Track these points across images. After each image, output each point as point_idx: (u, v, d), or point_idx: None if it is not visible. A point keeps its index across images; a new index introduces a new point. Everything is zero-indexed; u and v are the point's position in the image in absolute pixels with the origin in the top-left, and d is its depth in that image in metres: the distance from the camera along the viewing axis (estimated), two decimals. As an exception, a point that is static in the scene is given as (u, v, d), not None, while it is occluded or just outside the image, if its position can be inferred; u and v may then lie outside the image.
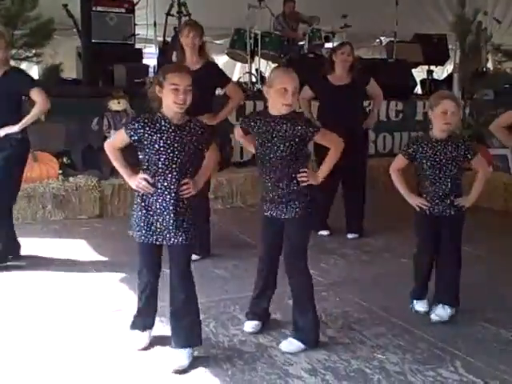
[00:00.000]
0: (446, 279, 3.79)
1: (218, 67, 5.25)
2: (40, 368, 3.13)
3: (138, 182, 3.07)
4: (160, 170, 3.05)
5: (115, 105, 6.70)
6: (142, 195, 3.10)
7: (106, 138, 6.66)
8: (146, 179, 3.05)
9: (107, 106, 6.71)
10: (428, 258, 3.82)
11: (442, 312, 3.73)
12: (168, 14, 8.66)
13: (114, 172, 6.43)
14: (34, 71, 8.92)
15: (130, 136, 3.06)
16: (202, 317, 3.71)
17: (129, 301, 4.01)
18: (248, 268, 4.70)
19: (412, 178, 3.86)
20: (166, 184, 3.07)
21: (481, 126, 7.88)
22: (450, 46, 10.66)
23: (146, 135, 3.03)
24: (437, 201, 3.71)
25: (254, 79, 8.82)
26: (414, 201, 3.76)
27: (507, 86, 9.78)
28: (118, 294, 4.15)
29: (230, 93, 5.05)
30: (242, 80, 9.21)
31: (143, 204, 3.10)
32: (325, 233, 5.65)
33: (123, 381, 3.03)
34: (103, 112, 6.69)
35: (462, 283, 3.89)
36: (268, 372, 3.11)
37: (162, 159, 3.04)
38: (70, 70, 9.08)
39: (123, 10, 8.28)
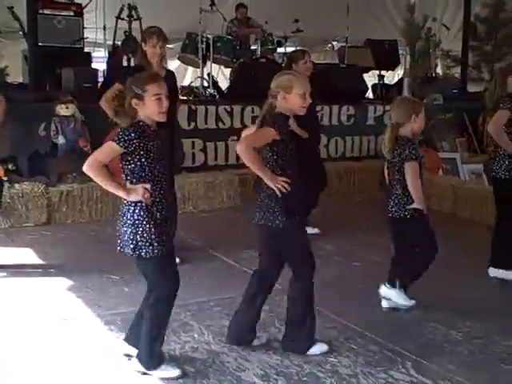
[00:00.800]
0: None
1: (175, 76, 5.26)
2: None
3: (142, 193, 2.90)
4: (156, 179, 2.96)
5: (63, 110, 6.54)
6: (146, 207, 2.93)
7: (53, 143, 6.53)
8: (147, 189, 2.92)
9: (55, 111, 6.55)
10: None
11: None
12: (118, 17, 8.53)
13: (61, 178, 6.31)
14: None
15: (126, 147, 2.88)
16: (151, 324, 3.66)
17: (76, 310, 3.92)
18: (200, 274, 4.65)
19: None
20: (162, 192, 2.99)
21: (431, 130, 8.01)
22: (400, 52, 10.82)
23: (142, 145, 2.91)
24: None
25: (205, 84, 8.76)
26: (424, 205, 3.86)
27: (456, 90, 9.99)
28: (66, 303, 4.04)
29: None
30: (193, 84, 9.14)
31: (148, 215, 2.94)
32: None
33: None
34: (51, 117, 6.52)
35: (413, 285, 3.93)
36: (220, 379, 3.07)
37: (158, 167, 2.96)
38: (16, 74, 8.85)
39: (71, 13, 8.10)
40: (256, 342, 3.45)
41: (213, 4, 8.83)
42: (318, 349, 3.36)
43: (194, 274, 4.62)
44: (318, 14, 11.05)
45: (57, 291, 4.27)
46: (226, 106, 7.72)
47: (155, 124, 3.02)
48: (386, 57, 10.45)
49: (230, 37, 9.22)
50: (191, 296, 4.15)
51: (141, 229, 2.93)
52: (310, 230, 5.64)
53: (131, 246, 2.95)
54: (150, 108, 2.94)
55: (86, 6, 8.37)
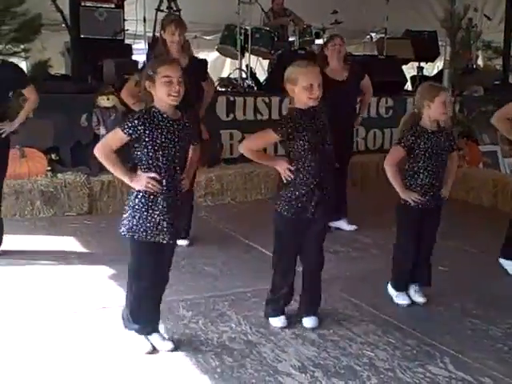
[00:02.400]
0: (428, 262, 3.89)
1: (207, 65, 5.27)
2: (26, 366, 3.10)
3: (146, 182, 2.96)
4: (163, 167, 2.99)
5: (104, 101, 6.65)
6: (149, 195, 2.99)
7: (95, 134, 6.63)
8: (153, 178, 2.97)
9: (96, 102, 6.66)
10: (415, 247, 3.83)
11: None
12: (158, 9, 8.59)
13: (103, 168, 6.41)
14: (22, 66, 8.85)
15: (130, 134, 2.93)
16: (190, 314, 3.73)
17: (116, 298, 3.99)
18: (237, 265, 4.70)
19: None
20: (170, 180, 3.02)
21: (471, 123, 7.90)
22: (440, 43, 10.65)
23: (147, 132, 2.94)
24: (431, 193, 3.73)
25: (244, 75, 8.79)
26: (410, 196, 3.74)
27: (497, 82, 9.81)
28: (106, 291, 4.12)
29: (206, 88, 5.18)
30: (232, 76, 9.17)
31: (149, 204, 3.00)
32: None
33: (110, 380, 3.01)
34: (92, 108, 6.63)
35: (451, 279, 3.89)
36: (257, 369, 3.10)
37: (165, 155, 2.99)
38: (59, 66, 9.01)
39: (112, 6, 8.21)
40: None
41: (252, -5, 8.84)
42: (275, 321, 3.55)
43: (231, 265, 4.67)
44: (357, 5, 10.97)
45: (98, 279, 4.36)
46: (265, 98, 7.74)
47: (172, 110, 3.02)
48: (425, 48, 10.32)
49: (268, 28, 9.22)
50: (228, 286, 4.20)
51: (138, 215, 3.01)
52: (347, 227, 5.65)
53: (126, 227, 3.03)
54: (160, 90, 2.94)
55: (126, -1, 8.47)
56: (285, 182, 3.35)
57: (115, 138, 3.00)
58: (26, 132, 6.37)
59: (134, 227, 3.03)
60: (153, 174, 2.98)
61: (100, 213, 6.17)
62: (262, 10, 9.33)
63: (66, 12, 7.73)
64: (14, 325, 3.56)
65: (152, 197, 3.00)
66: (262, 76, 9.59)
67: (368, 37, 12.31)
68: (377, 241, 5.35)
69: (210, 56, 10.71)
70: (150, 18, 8.71)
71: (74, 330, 3.51)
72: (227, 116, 7.50)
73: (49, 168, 6.23)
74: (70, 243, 5.21)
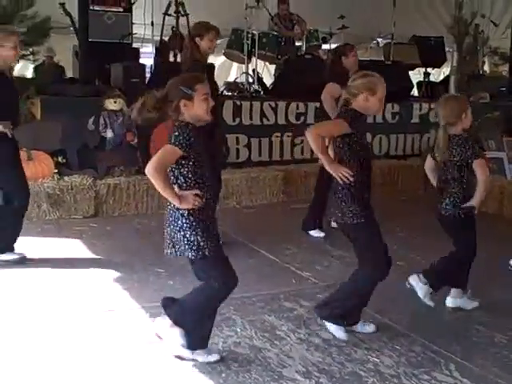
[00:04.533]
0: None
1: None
2: (33, 368, 3.11)
3: (192, 200, 2.90)
4: (207, 183, 2.99)
5: (111, 104, 6.68)
6: (197, 212, 2.95)
7: (102, 137, 6.66)
8: (197, 194, 2.93)
9: (104, 106, 6.69)
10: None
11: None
12: (166, 13, 8.63)
13: (109, 171, 6.44)
14: (30, 69, 8.92)
15: (186, 151, 2.88)
16: (196, 318, 3.72)
17: (122, 301, 4.01)
18: (242, 269, 4.67)
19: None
20: (209, 194, 3.01)
21: (477, 129, 7.88)
22: (447, 49, 10.66)
23: (195, 148, 2.92)
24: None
25: (250, 80, 8.81)
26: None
27: (503, 88, 9.80)
28: (112, 295, 4.13)
29: None
30: (238, 80, 9.20)
31: (201, 218, 2.97)
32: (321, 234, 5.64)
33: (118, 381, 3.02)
34: (100, 111, 6.66)
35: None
36: (262, 374, 3.10)
37: (207, 170, 3.00)
38: (67, 69, 9.07)
39: (121, 9, 8.24)
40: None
41: (259, 0, 8.86)
42: (335, 329, 3.50)
43: (236, 269, 4.64)
44: (364, 10, 10.99)
45: (103, 282, 4.37)
46: (271, 102, 7.75)
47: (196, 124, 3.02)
48: (432, 54, 10.33)
49: (275, 33, 9.24)
50: (234, 291, 4.19)
51: (199, 230, 2.95)
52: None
53: (194, 248, 2.96)
54: (200, 108, 2.95)
55: (134, 3, 8.50)
56: (341, 186, 3.37)
57: (171, 155, 2.89)
58: (33, 134, 6.41)
59: (202, 244, 2.96)
60: (196, 191, 2.94)
61: (106, 216, 6.19)
62: (270, 14, 9.36)
63: (75, 15, 7.76)
64: (19, 327, 3.57)
65: (199, 211, 2.95)
66: (268, 80, 9.61)
67: (375, 42, 12.33)
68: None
69: (217, 60, 10.73)
70: (157, 22, 8.76)
71: (80, 332, 3.52)
72: (233, 120, 7.51)
73: (55, 170, 6.25)
74: (76, 246, 5.23)
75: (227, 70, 11.68)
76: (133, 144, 6.73)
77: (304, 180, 7.27)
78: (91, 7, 7.83)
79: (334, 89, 5.34)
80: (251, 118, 7.61)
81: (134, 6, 8.44)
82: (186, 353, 3.18)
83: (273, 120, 7.73)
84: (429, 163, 4.00)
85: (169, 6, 8.62)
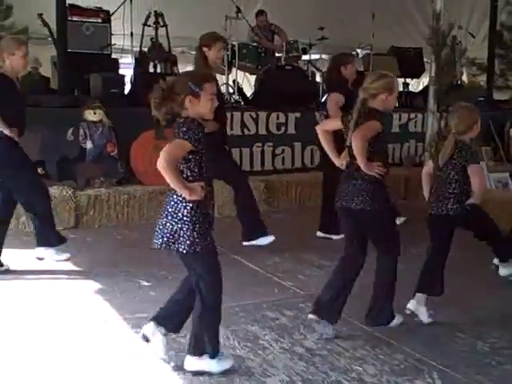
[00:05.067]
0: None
1: None
2: (26, 382, 3.06)
3: (200, 192, 2.93)
4: (208, 178, 3.05)
5: (91, 115, 6.65)
6: (202, 206, 2.99)
7: (81, 148, 6.62)
8: (203, 187, 2.97)
9: (83, 116, 6.65)
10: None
11: None
12: (145, 24, 8.63)
13: (89, 183, 6.40)
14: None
15: (195, 146, 2.93)
16: (178, 329, 3.69)
17: (104, 313, 3.97)
18: (224, 279, 4.65)
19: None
20: (210, 189, 3.07)
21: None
22: (425, 59, 10.78)
23: (202, 142, 2.97)
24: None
25: (231, 90, 8.82)
26: None
27: (481, 98, 9.92)
28: (93, 306, 4.09)
29: None
30: (219, 91, 9.21)
31: (203, 213, 3.01)
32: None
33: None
34: (79, 122, 6.62)
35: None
36: (245, 384, 3.08)
37: (209, 166, 3.05)
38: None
39: (99, 20, 8.24)
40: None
41: (239, 11, 8.91)
42: (397, 320, 3.69)
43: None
44: (343, 22, 11.08)
45: (84, 294, 4.32)
46: (252, 113, 7.77)
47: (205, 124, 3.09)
48: (411, 64, 10.43)
49: (255, 44, 9.28)
50: (217, 301, 4.18)
51: (198, 225, 2.97)
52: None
53: (188, 243, 2.97)
54: (205, 107, 2.99)
55: (113, 13, 8.51)
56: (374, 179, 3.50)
57: (181, 149, 2.94)
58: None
59: (197, 240, 2.97)
60: (202, 183, 2.97)
61: (86, 227, 6.14)
62: (250, 25, 9.40)
63: (53, 26, 7.71)
64: (5, 342, 3.52)
65: (201, 207, 3.00)
66: (249, 91, 9.63)
67: (354, 53, 12.41)
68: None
69: (197, 71, 10.74)
70: (136, 33, 8.75)
71: (62, 344, 3.48)
72: (231, 129, 7.50)
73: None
74: (56, 258, 5.16)
75: (207, 81, 11.68)
76: (113, 155, 6.70)
77: (285, 190, 7.28)
78: (69, 18, 7.80)
79: (338, 98, 5.45)
80: (232, 129, 7.61)
81: (112, 17, 8.43)
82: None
83: (254, 130, 7.75)
84: (428, 169, 4.10)
85: (148, 16, 8.63)
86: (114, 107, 6.97)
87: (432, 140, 7.64)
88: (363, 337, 3.67)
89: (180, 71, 9.50)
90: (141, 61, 8.65)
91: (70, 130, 6.65)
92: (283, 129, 7.92)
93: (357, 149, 3.43)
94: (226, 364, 3.16)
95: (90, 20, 8.18)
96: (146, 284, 4.53)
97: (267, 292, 4.40)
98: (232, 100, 8.57)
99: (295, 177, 7.50)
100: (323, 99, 6.80)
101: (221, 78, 10.08)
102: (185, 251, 2.98)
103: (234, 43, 8.91)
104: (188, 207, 2.96)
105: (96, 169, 6.49)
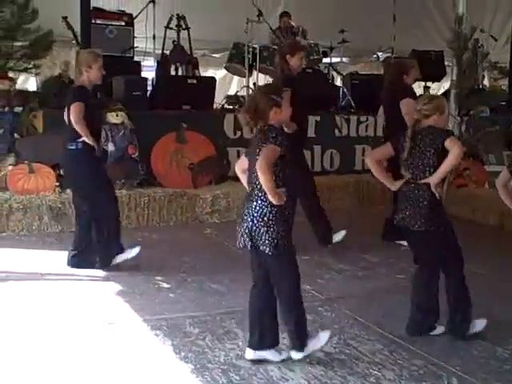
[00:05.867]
0: None
1: None
2: (33, 381, 3.10)
3: (284, 197, 3.14)
4: (288, 181, 3.22)
5: (113, 117, 6.71)
6: (284, 209, 3.18)
7: (104, 150, 6.67)
8: (284, 192, 3.16)
9: (105, 119, 6.71)
10: None
11: None
12: (167, 27, 8.70)
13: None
14: (32, 83, 8.96)
15: (284, 151, 3.15)
16: (197, 331, 3.73)
17: (123, 314, 4.01)
18: (243, 282, 4.68)
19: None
20: (290, 196, 3.24)
21: (477, 143, 7.92)
22: (446, 63, 10.71)
23: (286, 148, 3.18)
24: None
25: (251, 93, 8.84)
26: None
27: (503, 103, 9.85)
28: (114, 308, 4.13)
29: None
30: (239, 94, 9.24)
31: (286, 215, 3.21)
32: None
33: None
34: (101, 124, 6.68)
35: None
36: (264, 387, 3.10)
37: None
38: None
39: (123, 23, 8.31)
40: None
41: (260, 14, 8.93)
42: (480, 325, 3.74)
43: (237, 282, 4.66)
44: (365, 25, 11.05)
45: (105, 295, 4.37)
46: (272, 116, 7.76)
47: None
48: (432, 68, 10.36)
49: (275, 46, 9.29)
50: (235, 304, 4.20)
51: (281, 228, 3.17)
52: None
53: (273, 245, 3.16)
54: (285, 113, 3.27)
55: (136, 17, 8.58)
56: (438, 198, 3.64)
57: (275, 154, 3.15)
58: (34, 147, 6.43)
59: (280, 242, 3.18)
60: (283, 189, 3.16)
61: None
62: (270, 28, 9.42)
63: (77, 29, 7.81)
64: (21, 340, 3.57)
65: (284, 210, 3.20)
66: (269, 94, 9.63)
67: (375, 56, 12.38)
68: (384, 260, 5.35)
69: (218, 74, 10.80)
70: (159, 36, 8.82)
71: (82, 345, 3.52)
72: (234, 134, 7.54)
73: (57, 184, 6.27)
74: (78, 258, 5.22)
75: (228, 84, 11.73)
76: (134, 157, 6.75)
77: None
78: (94, 21, 7.88)
79: (413, 104, 5.47)
80: (252, 132, 7.61)
81: (135, 20, 8.51)
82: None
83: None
84: (503, 179, 4.12)
85: (170, 19, 8.69)
86: (135, 110, 7.04)
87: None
88: (382, 341, 3.66)
89: (201, 74, 9.59)
90: (163, 63, 8.71)
91: (93, 133, 6.70)
92: (302, 131, 7.92)
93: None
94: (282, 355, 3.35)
95: (113, 23, 8.26)
96: (166, 286, 4.56)
97: (286, 295, 4.41)
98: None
99: (315, 180, 7.48)
100: (379, 110, 6.86)
101: (241, 81, 10.15)
102: (270, 253, 3.17)
103: (256, 46, 8.93)
104: (273, 211, 3.16)
105: (117, 171, 6.53)
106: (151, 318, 3.92)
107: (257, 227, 3.16)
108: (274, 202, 3.12)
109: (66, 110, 4.78)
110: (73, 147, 4.69)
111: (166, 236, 5.80)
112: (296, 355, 3.33)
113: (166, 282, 4.62)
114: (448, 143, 3.58)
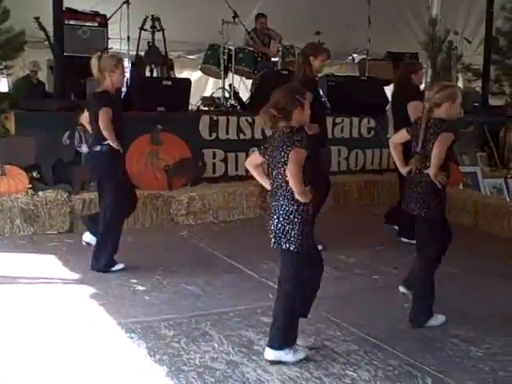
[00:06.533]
0: None
1: None
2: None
3: (311, 195, 3.25)
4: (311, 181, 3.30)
5: (87, 119, 6.62)
6: (308, 208, 3.28)
7: (77, 152, 6.61)
8: (310, 191, 3.27)
9: (79, 121, 6.63)
10: None
11: None
12: (142, 28, 8.64)
13: (84, 187, 6.39)
14: (4, 84, 8.84)
15: (308, 152, 3.23)
16: (172, 333, 3.70)
17: (98, 317, 3.96)
18: (219, 284, 4.68)
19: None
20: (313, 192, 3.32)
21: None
22: (421, 65, 10.81)
23: (310, 149, 3.27)
24: None
25: (227, 95, 8.83)
26: None
27: (477, 104, 9.95)
28: (88, 311, 4.08)
29: None
30: (215, 95, 9.21)
31: (306, 216, 3.29)
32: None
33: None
34: (75, 126, 6.61)
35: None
36: (239, 390, 3.08)
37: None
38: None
39: (96, 24, 8.24)
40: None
41: (235, 16, 8.90)
42: (436, 321, 3.89)
43: (213, 284, 4.66)
44: (339, 27, 11.10)
45: (79, 299, 4.31)
46: (248, 117, 7.76)
47: None
48: (406, 70, 10.43)
49: (251, 48, 9.29)
50: (211, 306, 4.19)
51: (306, 226, 3.27)
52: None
53: (297, 244, 3.25)
54: (307, 114, 3.33)
55: (110, 18, 8.50)
56: (439, 186, 3.84)
57: (303, 156, 3.22)
58: (7, 149, 6.34)
59: (301, 240, 3.26)
60: (309, 187, 3.26)
61: (81, 231, 6.09)
62: (246, 30, 9.41)
63: (50, 30, 7.72)
64: (-8, 345, 3.51)
65: (307, 210, 3.29)
66: (245, 96, 9.63)
67: (350, 58, 12.46)
68: (360, 260, 5.37)
69: (193, 75, 10.76)
70: (133, 37, 8.76)
71: (57, 349, 3.47)
72: (210, 135, 7.51)
73: (30, 186, 6.17)
74: (51, 262, 5.15)
75: (203, 85, 11.69)
76: (108, 159, 6.69)
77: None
78: (66, 22, 7.79)
79: (420, 106, 5.63)
80: (228, 133, 7.61)
81: (109, 21, 8.43)
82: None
83: (249, 135, 7.74)
84: None
85: (145, 20, 8.64)
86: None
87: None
88: (357, 342, 3.66)
89: (176, 75, 9.54)
90: (137, 65, 8.65)
91: (66, 134, 6.64)
92: (279, 133, 7.92)
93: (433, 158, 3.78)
94: (300, 355, 3.37)
95: (86, 24, 8.18)
96: (141, 288, 4.52)
97: (262, 297, 4.39)
98: (228, 104, 8.57)
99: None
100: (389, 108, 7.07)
101: (217, 83, 10.12)
102: (296, 250, 3.25)
103: (231, 47, 8.91)
104: (299, 210, 3.25)
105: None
106: (126, 320, 3.88)
107: (282, 225, 3.25)
108: (302, 200, 3.22)
109: (88, 114, 4.98)
110: (98, 149, 4.84)
111: (141, 238, 5.75)
112: (268, 354, 3.35)
113: (140, 285, 4.58)
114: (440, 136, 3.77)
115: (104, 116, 4.70)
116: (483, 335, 3.80)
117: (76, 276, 4.81)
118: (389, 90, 10.03)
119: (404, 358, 3.47)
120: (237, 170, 7.63)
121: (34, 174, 6.35)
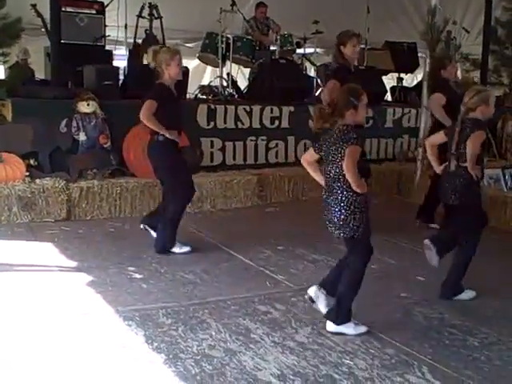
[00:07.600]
0: None
1: None
2: (6, 372, 3.05)
3: (365, 185, 3.51)
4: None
5: (84, 107, 6.62)
6: (363, 200, 3.53)
7: (74, 140, 6.60)
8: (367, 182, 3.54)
9: (76, 108, 6.62)
10: None
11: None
12: (139, 15, 8.59)
13: (81, 174, 6.38)
14: (0, 71, 8.80)
15: (363, 149, 3.57)
16: (170, 321, 3.71)
17: (96, 305, 3.97)
18: (217, 273, 4.69)
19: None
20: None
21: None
22: (419, 54, 10.77)
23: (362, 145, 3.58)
24: None
25: (225, 83, 8.80)
26: None
27: (475, 94, 9.91)
28: (85, 299, 4.08)
29: None
30: (212, 84, 9.18)
31: (363, 204, 3.53)
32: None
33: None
34: (72, 114, 6.60)
35: (428, 289, 3.92)
36: (237, 377, 3.09)
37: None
38: (39, 71, 8.96)
39: (93, 11, 8.16)
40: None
41: (234, 4, 8.86)
42: (466, 295, 4.20)
43: (210, 273, 4.66)
44: (338, 16, 11.04)
45: (76, 286, 4.31)
46: (246, 106, 7.75)
47: None
48: (405, 59, 10.42)
49: (250, 37, 9.25)
50: (209, 294, 4.19)
51: (364, 214, 3.54)
52: None
53: (360, 229, 3.53)
54: (362, 115, 3.57)
55: (108, 5, 8.44)
56: (475, 179, 4.17)
57: (358, 153, 3.47)
58: (4, 136, 6.32)
59: (363, 226, 3.53)
60: (363, 179, 3.52)
61: (78, 219, 6.12)
62: (244, 18, 9.37)
63: (47, 17, 7.67)
64: (-10, 332, 3.52)
65: (364, 199, 3.54)
66: (243, 84, 9.61)
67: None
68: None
69: (191, 64, 10.70)
70: (131, 25, 8.71)
71: (54, 336, 3.47)
72: (208, 124, 7.50)
73: (27, 173, 6.17)
74: (48, 249, 5.16)
75: (201, 74, 11.66)
76: (106, 147, 6.68)
77: (278, 183, 7.29)
78: (63, 9, 7.74)
79: (440, 99, 6.00)
80: (225, 122, 7.60)
81: (107, 8, 8.38)
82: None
83: (247, 124, 7.74)
84: None
85: (142, 8, 8.59)
86: (107, 99, 6.94)
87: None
88: (354, 331, 3.68)
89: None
90: (135, 53, 8.60)
91: (64, 122, 6.62)
92: (277, 123, 7.92)
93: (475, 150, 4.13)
94: (361, 329, 3.64)
95: (84, 11, 8.09)
96: (138, 276, 4.53)
97: (259, 286, 4.42)
98: (226, 93, 8.55)
99: (288, 171, 7.50)
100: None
101: (215, 71, 10.08)
102: (357, 235, 3.53)
103: (229, 36, 8.87)
104: (358, 199, 3.50)
105: (89, 161, 6.46)
106: (124, 308, 3.89)
107: (345, 216, 3.50)
108: (359, 191, 3.46)
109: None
110: (155, 138, 4.95)
111: (138, 227, 5.75)
112: (330, 327, 3.63)
113: (138, 273, 4.58)
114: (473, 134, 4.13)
115: (143, 108, 4.79)
116: (479, 325, 3.83)
117: (73, 264, 4.81)
118: (387, 80, 10.07)
119: (401, 347, 3.48)
120: (234, 159, 7.64)
121: (32, 162, 6.34)
